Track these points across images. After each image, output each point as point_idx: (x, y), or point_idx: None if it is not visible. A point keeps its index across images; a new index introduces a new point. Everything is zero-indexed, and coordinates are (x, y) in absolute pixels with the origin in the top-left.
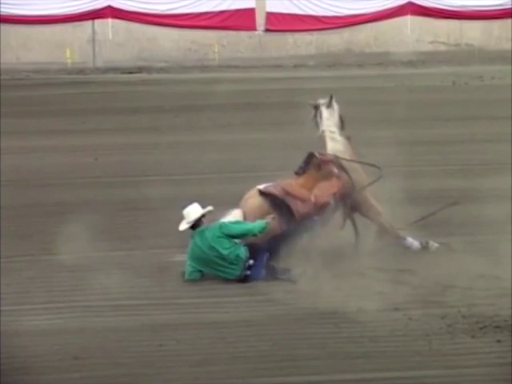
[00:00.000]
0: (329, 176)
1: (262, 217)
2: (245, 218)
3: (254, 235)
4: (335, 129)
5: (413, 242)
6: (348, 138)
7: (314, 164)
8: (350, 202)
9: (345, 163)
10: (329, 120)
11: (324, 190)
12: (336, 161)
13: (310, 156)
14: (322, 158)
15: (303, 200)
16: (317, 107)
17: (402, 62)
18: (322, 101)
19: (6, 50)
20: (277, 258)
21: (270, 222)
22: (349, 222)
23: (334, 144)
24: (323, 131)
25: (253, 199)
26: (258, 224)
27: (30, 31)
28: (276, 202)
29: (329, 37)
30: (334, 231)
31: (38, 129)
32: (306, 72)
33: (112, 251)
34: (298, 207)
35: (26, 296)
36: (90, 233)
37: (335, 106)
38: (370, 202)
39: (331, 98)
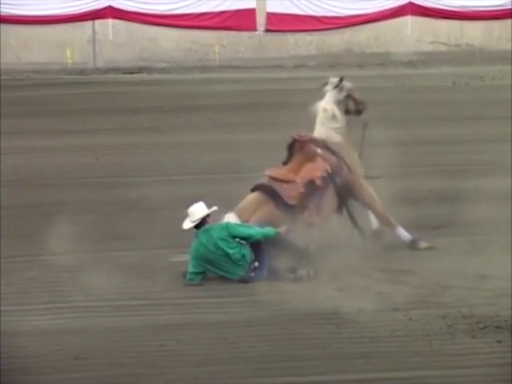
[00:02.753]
0: (313, 157)
1: (257, 209)
2: (241, 217)
3: (257, 240)
4: (332, 113)
5: (404, 233)
6: (365, 125)
7: (297, 148)
8: (342, 183)
9: (334, 142)
10: (328, 104)
11: (310, 171)
12: (319, 140)
13: (293, 141)
14: (300, 138)
15: (289, 182)
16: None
17: (402, 63)
18: (333, 79)
19: (6, 50)
20: (278, 257)
21: (279, 232)
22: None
23: (322, 129)
24: (316, 112)
25: (247, 197)
26: (263, 230)
27: (31, 31)
28: (268, 192)
29: (329, 37)
30: (331, 215)
31: (38, 129)
32: (306, 72)
33: (112, 251)
34: (285, 190)
35: (27, 296)
36: (91, 233)
37: (346, 88)
38: (364, 186)
39: (341, 80)
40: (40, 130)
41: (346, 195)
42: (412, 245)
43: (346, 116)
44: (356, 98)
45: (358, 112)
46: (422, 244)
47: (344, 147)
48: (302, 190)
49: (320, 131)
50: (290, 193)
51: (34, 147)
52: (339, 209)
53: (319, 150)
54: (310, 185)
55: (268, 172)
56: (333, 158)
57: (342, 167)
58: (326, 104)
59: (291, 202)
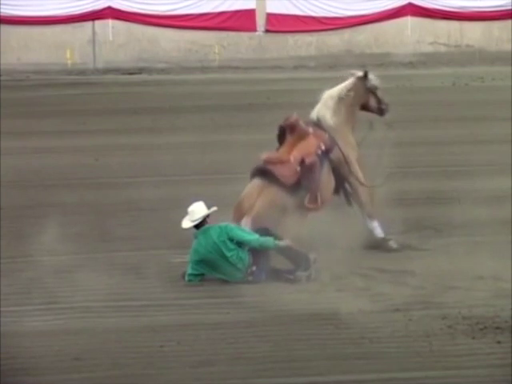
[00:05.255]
0: (305, 136)
1: (260, 193)
2: (245, 205)
3: (254, 247)
4: (332, 103)
5: (378, 228)
6: (388, 126)
7: (288, 131)
8: (336, 160)
9: (327, 124)
10: (332, 92)
11: (303, 149)
12: (309, 120)
13: (280, 129)
14: (288, 122)
15: (282, 162)
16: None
17: (402, 63)
18: (359, 73)
19: (6, 50)
20: (277, 259)
21: (278, 244)
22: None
23: (320, 110)
24: (324, 93)
25: (248, 185)
26: (262, 239)
27: (31, 32)
28: (266, 175)
29: (329, 38)
30: (331, 196)
31: (38, 130)
32: (306, 73)
33: (112, 252)
34: (280, 170)
35: (27, 297)
36: (91, 233)
37: (370, 85)
38: (355, 167)
39: (365, 73)
40: (40, 130)
41: (341, 173)
42: (382, 242)
43: (362, 111)
44: (379, 96)
45: (380, 112)
46: (393, 244)
47: (339, 131)
48: (297, 168)
49: (318, 111)
50: (284, 172)
51: (33, 148)
52: (336, 189)
53: (311, 129)
54: (304, 164)
55: (262, 156)
56: (325, 135)
57: (334, 142)
58: (330, 92)
59: (287, 181)
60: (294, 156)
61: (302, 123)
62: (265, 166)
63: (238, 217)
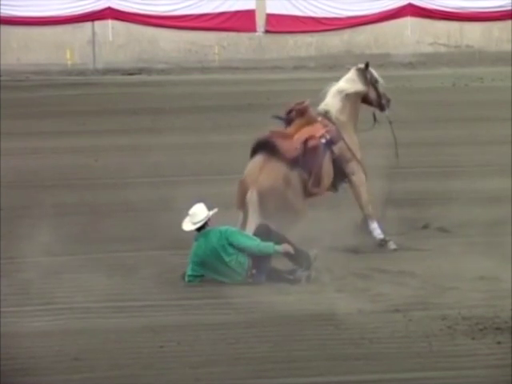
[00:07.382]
0: (313, 122)
1: (263, 168)
2: (249, 181)
3: (254, 253)
4: (338, 100)
5: (377, 229)
6: (390, 123)
7: (298, 114)
8: (338, 153)
9: (332, 117)
10: (344, 87)
11: (307, 133)
12: (319, 110)
13: (289, 111)
14: (299, 106)
15: (286, 136)
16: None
17: (402, 64)
18: (360, 65)
19: (6, 51)
20: (277, 259)
21: (278, 250)
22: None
23: (328, 103)
24: (331, 87)
25: (249, 163)
26: (262, 245)
27: (31, 32)
28: (268, 149)
29: (329, 38)
30: (328, 186)
31: (38, 130)
32: (306, 73)
33: (112, 252)
34: (281, 143)
35: (26, 297)
36: (90, 234)
37: (371, 79)
38: (358, 166)
39: (366, 64)
40: (40, 131)
41: (341, 167)
42: (381, 244)
43: (364, 105)
44: (379, 91)
45: (381, 106)
46: (392, 245)
47: (344, 128)
48: (298, 146)
49: (326, 104)
50: (286, 146)
51: (33, 148)
52: (334, 185)
53: (320, 118)
54: (307, 144)
55: (266, 132)
56: (333, 127)
57: (340, 137)
58: (338, 87)
59: (288, 155)
60: (298, 136)
61: (312, 110)
62: (267, 139)
63: (242, 194)
